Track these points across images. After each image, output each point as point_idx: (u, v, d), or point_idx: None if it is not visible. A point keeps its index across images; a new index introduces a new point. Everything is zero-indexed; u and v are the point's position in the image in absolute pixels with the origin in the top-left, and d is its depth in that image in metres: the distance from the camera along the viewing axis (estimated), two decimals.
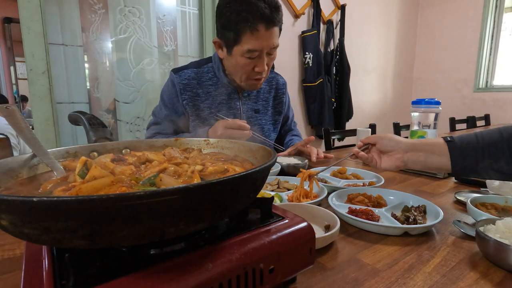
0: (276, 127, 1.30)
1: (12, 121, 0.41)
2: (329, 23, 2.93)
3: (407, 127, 2.14)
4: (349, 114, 3.16)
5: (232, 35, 0.96)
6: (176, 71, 1.12)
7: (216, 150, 0.58)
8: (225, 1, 0.96)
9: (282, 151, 1.22)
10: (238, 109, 1.17)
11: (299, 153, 1.17)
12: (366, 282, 0.43)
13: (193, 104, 1.11)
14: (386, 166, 0.71)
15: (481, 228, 0.51)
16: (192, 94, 1.10)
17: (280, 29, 1.00)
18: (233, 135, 0.95)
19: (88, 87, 1.87)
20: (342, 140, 2.99)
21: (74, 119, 0.57)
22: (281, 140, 1.37)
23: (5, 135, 1.68)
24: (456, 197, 0.77)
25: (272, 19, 0.93)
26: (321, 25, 2.93)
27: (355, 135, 1.50)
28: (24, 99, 4.70)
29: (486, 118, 3.16)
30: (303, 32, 2.79)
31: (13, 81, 4.65)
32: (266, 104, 1.24)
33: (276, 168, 0.97)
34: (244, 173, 0.30)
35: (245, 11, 0.91)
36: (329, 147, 1.77)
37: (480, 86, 3.62)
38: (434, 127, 1.15)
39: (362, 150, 0.74)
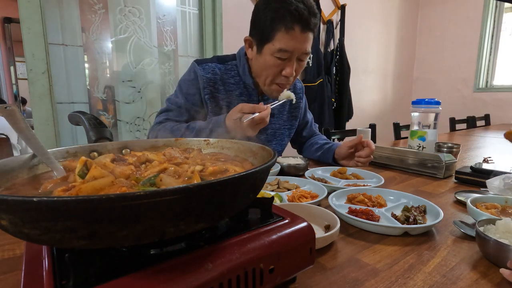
0: (291, 132, 1.27)
1: (12, 121, 0.40)
2: (329, 23, 2.93)
3: (407, 127, 2.13)
4: (349, 114, 3.16)
5: (266, 32, 0.94)
6: (199, 62, 1.09)
7: (216, 150, 0.58)
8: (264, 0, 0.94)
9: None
10: None
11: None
12: (366, 282, 0.43)
13: (214, 100, 1.08)
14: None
15: (481, 228, 0.51)
16: (214, 90, 1.08)
17: (313, 38, 0.98)
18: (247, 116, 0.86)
19: (88, 87, 1.87)
20: (342, 140, 2.98)
21: (74, 119, 0.57)
22: (301, 145, 1.34)
23: (5, 135, 1.68)
24: (456, 197, 0.77)
25: (309, 22, 0.92)
26: (321, 25, 2.93)
27: (355, 135, 1.50)
28: (23, 101, 4.69)
29: (486, 118, 3.16)
30: None
31: (13, 81, 4.65)
32: (282, 108, 1.22)
33: (276, 168, 0.97)
34: (244, 173, 0.30)
35: (283, 8, 0.90)
36: None
37: (480, 86, 3.62)
38: (434, 127, 1.16)
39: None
